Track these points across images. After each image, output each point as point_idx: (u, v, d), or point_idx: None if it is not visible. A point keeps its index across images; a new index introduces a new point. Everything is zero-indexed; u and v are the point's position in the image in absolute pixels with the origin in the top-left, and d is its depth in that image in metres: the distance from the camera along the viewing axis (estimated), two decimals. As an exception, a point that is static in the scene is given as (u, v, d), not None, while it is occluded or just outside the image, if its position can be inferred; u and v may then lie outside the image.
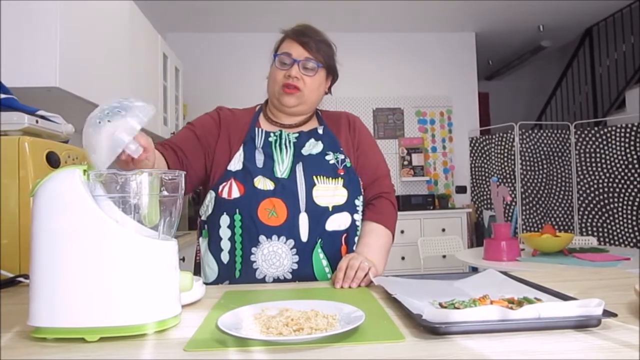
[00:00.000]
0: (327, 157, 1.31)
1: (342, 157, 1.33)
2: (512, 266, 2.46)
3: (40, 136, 1.44)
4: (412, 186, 5.40)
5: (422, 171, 5.37)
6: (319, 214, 1.24)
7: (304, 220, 1.23)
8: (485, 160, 5.40)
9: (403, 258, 4.73)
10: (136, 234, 0.73)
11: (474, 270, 2.98)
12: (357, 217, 1.32)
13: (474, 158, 5.53)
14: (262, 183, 1.24)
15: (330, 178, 1.28)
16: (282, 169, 1.27)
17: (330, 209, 1.26)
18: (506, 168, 5.09)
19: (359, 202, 1.32)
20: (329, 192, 1.26)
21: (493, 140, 5.28)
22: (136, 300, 0.71)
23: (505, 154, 5.10)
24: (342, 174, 1.30)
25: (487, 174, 5.36)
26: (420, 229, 4.86)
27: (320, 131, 1.37)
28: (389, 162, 5.29)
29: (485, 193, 5.36)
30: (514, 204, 4.90)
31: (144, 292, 0.72)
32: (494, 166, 5.26)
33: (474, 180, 5.52)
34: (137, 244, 0.73)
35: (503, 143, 5.14)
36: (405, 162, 5.37)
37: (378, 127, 5.43)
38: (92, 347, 0.68)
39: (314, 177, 1.27)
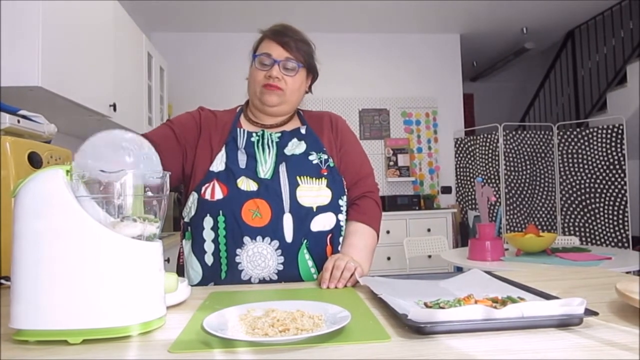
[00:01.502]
0: (311, 157, 1.31)
1: (325, 157, 1.33)
2: (497, 266, 2.48)
3: (22, 136, 1.42)
4: (397, 187, 5.43)
5: (408, 172, 5.40)
6: (303, 215, 1.24)
7: (288, 221, 1.22)
8: (470, 161, 5.45)
9: (389, 258, 4.75)
10: (120, 235, 0.72)
11: (459, 270, 3.00)
12: (342, 217, 1.32)
13: (459, 159, 5.58)
14: (245, 184, 1.23)
15: (314, 178, 1.28)
16: (265, 169, 1.26)
17: (315, 210, 1.25)
18: (490, 169, 5.14)
19: (342, 202, 1.32)
20: (313, 193, 1.26)
21: (478, 141, 5.33)
22: (120, 301, 0.71)
23: (490, 155, 5.15)
24: (325, 174, 1.30)
25: (471, 175, 5.41)
26: (406, 229, 4.88)
27: (303, 131, 1.36)
28: (375, 163, 5.33)
29: (470, 193, 5.41)
30: (498, 204, 4.95)
31: (128, 293, 0.72)
32: (478, 167, 5.31)
33: (459, 181, 5.57)
34: (121, 245, 0.72)
35: (487, 144, 5.19)
36: (391, 163, 5.39)
37: (364, 127, 5.44)
38: (75, 349, 0.67)
39: (298, 177, 1.26)
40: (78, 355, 0.65)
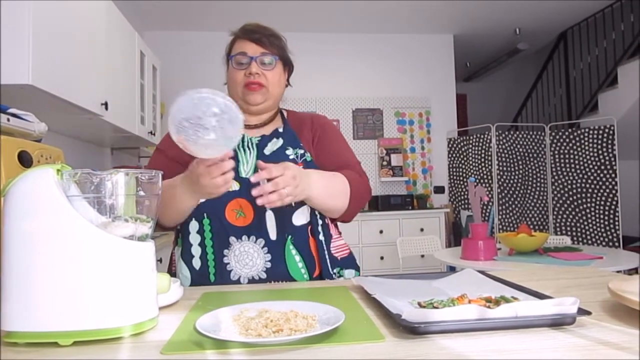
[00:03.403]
0: (287, 152, 1.32)
1: (302, 152, 1.33)
2: (489, 265, 2.49)
3: (12, 135, 1.40)
4: (391, 186, 5.44)
5: (401, 171, 5.41)
6: (283, 210, 1.24)
7: (270, 218, 1.23)
8: (462, 161, 5.47)
9: (382, 258, 4.75)
10: (111, 235, 0.72)
11: (452, 269, 3.01)
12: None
13: (452, 158, 5.60)
14: None
15: None
16: (246, 169, 1.27)
17: (293, 204, 1.25)
18: (483, 169, 5.16)
19: None
20: None
21: (470, 141, 5.35)
22: (112, 302, 0.70)
23: (483, 155, 5.17)
24: (301, 167, 1.29)
25: (464, 175, 5.43)
26: (399, 229, 4.89)
27: (280, 130, 1.37)
28: (368, 163, 5.34)
29: (462, 193, 5.43)
30: (491, 204, 4.97)
31: (120, 294, 0.71)
32: (471, 167, 5.33)
33: (452, 181, 5.59)
34: (113, 245, 0.71)
35: (480, 144, 5.21)
36: (384, 163, 5.40)
37: (357, 127, 5.44)
38: (66, 351, 0.66)
39: None
40: (69, 357, 0.64)
